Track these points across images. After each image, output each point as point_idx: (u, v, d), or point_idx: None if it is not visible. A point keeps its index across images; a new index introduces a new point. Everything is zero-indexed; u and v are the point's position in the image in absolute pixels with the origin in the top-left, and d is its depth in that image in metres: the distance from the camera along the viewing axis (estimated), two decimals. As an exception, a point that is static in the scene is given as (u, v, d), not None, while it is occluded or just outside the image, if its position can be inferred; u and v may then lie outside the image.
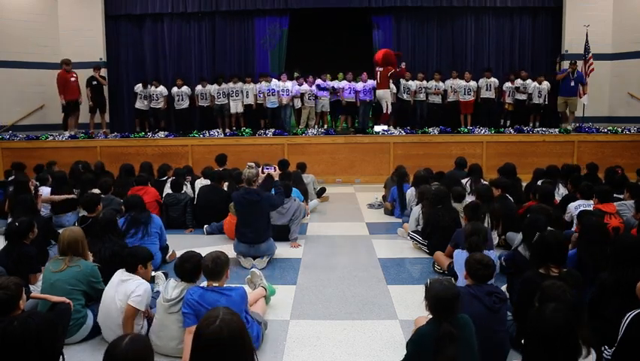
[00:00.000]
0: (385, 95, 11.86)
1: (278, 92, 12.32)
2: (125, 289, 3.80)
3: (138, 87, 12.91)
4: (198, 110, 13.10)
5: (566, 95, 12.23)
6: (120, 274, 3.92)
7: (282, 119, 12.53)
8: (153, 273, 4.78)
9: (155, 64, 14.14)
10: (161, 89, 12.86)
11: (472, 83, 12.65)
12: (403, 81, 12.56)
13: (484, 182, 7.26)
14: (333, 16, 13.68)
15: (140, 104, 12.91)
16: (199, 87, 12.85)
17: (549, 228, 4.44)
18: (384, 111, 11.97)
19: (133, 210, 5.74)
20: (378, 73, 11.80)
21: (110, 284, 3.90)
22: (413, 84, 12.66)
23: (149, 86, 12.79)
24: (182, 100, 12.83)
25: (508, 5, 13.50)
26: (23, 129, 12.82)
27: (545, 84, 12.46)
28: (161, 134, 11.99)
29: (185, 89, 12.82)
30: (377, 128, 11.84)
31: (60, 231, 4.52)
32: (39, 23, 13.38)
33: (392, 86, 12.16)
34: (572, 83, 12.11)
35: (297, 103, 12.70)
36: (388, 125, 12.04)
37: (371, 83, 12.51)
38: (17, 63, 13.03)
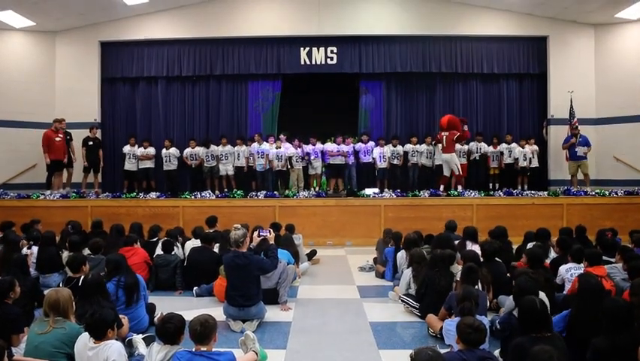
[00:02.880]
0: (452, 159, 12.17)
1: (267, 155, 12.49)
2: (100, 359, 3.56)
3: (126, 148, 13.05)
4: (189, 171, 13.18)
5: (576, 160, 12.56)
6: (86, 344, 3.65)
7: (270, 181, 12.66)
8: (133, 336, 4.68)
9: (149, 125, 14.30)
10: (150, 149, 13.08)
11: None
12: (391, 147, 12.89)
13: (475, 247, 7.24)
14: (325, 81, 14.04)
15: (129, 165, 13.00)
16: (188, 149, 12.99)
17: (540, 292, 4.42)
18: (457, 173, 12.21)
19: (117, 271, 5.37)
20: (444, 137, 12.14)
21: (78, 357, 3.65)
22: (407, 147, 13.06)
23: (136, 145, 12.97)
24: (170, 161, 12.96)
25: (494, 72, 13.96)
26: (15, 188, 12.81)
27: (529, 148, 12.88)
28: (153, 194, 12.00)
29: (173, 150, 12.99)
30: (368, 190, 11.94)
31: (46, 292, 4.43)
32: (37, 84, 13.63)
33: (459, 146, 12.64)
34: (576, 149, 12.48)
35: (280, 166, 12.66)
36: (461, 186, 12.24)
37: (357, 146, 12.91)
38: (12, 122, 13.17)
